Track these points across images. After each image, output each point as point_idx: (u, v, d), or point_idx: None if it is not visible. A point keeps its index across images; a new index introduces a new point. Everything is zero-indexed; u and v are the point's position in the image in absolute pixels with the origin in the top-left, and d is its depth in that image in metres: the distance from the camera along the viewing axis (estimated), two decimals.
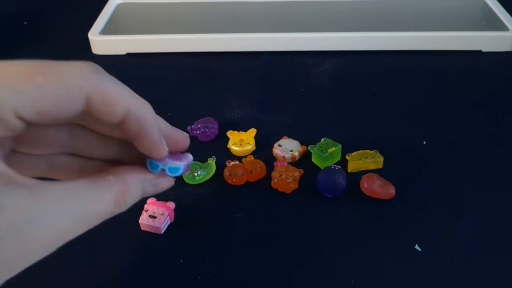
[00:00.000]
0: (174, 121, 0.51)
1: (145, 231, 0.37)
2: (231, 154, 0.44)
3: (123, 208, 0.23)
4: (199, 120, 0.46)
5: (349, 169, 0.42)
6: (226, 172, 0.41)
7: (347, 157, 0.42)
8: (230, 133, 0.45)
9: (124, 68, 0.58)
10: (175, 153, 0.26)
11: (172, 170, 0.25)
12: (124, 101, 0.22)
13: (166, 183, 0.26)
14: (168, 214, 0.37)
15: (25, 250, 0.19)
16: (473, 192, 0.40)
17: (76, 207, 0.21)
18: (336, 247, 0.36)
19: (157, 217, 0.37)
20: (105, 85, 0.22)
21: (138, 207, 0.38)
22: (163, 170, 0.25)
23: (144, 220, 0.37)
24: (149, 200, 0.38)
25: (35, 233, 0.19)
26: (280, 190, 0.40)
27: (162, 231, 0.37)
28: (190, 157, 0.27)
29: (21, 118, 0.20)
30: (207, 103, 0.51)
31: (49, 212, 0.20)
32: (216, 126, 0.46)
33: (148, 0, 0.68)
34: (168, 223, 0.37)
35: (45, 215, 0.20)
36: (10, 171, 0.20)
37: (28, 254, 0.20)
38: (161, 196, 0.39)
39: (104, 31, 0.60)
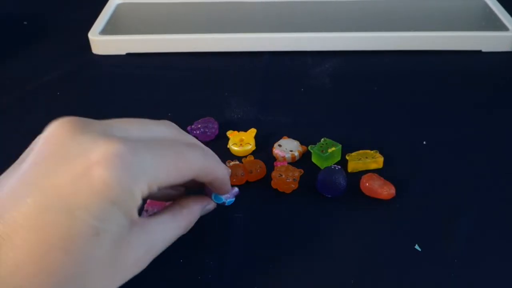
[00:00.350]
0: (174, 121, 0.51)
1: None
2: (231, 154, 0.44)
3: (189, 229, 0.33)
4: (199, 120, 0.46)
5: (349, 169, 0.42)
6: None
7: (347, 157, 0.42)
8: (230, 133, 0.45)
9: (124, 68, 0.58)
10: None
11: (229, 202, 0.36)
12: (215, 172, 0.32)
13: (213, 207, 0.35)
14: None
15: (141, 263, 0.29)
16: (473, 192, 0.40)
17: (166, 234, 0.31)
18: (336, 247, 0.36)
19: None
20: (208, 164, 0.31)
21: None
22: (223, 202, 0.35)
23: None
24: (149, 200, 0.38)
25: (147, 254, 0.29)
26: (280, 190, 0.40)
27: None
28: (236, 189, 0.36)
29: (159, 188, 0.28)
30: (207, 103, 0.51)
31: (153, 241, 0.29)
32: (216, 126, 0.46)
33: (148, 0, 0.68)
34: None
35: (151, 242, 0.29)
36: (136, 216, 0.28)
37: (143, 264, 0.29)
38: None
39: (104, 31, 0.60)
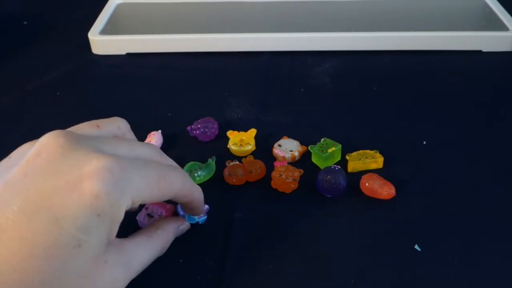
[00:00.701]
0: (174, 121, 0.51)
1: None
2: (231, 154, 0.44)
3: (165, 250, 0.34)
4: (199, 120, 0.46)
5: (349, 169, 0.42)
6: (226, 172, 0.41)
7: (347, 157, 0.42)
8: (230, 133, 0.45)
9: (124, 68, 0.58)
10: None
11: (202, 220, 0.37)
12: (193, 194, 0.34)
13: (187, 228, 0.37)
14: (166, 216, 0.37)
15: (118, 284, 0.29)
16: (473, 192, 0.40)
17: (143, 255, 0.31)
18: (336, 247, 0.36)
19: (154, 217, 0.37)
20: (187, 186, 0.32)
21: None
22: (197, 221, 0.37)
23: (141, 218, 0.37)
24: None
25: (124, 275, 0.29)
26: (280, 190, 0.40)
27: None
28: (207, 206, 0.38)
29: (140, 204, 0.30)
30: (207, 103, 0.51)
31: (129, 261, 0.30)
32: (216, 126, 0.46)
33: (148, 0, 0.68)
34: None
35: (128, 263, 0.30)
36: (114, 235, 0.28)
37: (120, 285, 0.29)
38: None
39: (104, 31, 0.60)
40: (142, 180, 0.29)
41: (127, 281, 0.30)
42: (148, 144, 0.34)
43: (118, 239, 0.29)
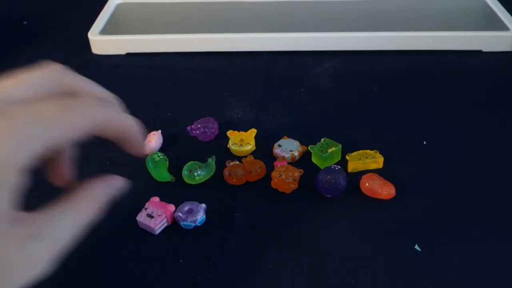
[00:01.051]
0: (174, 121, 0.51)
1: (143, 229, 0.37)
2: (231, 154, 0.44)
3: (96, 212, 0.27)
4: (199, 120, 0.46)
5: (349, 169, 0.42)
6: (226, 172, 0.41)
7: (347, 157, 0.42)
8: (230, 133, 0.45)
9: (124, 68, 0.58)
10: (190, 206, 0.38)
11: (199, 222, 0.37)
12: (122, 123, 0.29)
13: (120, 183, 0.29)
14: (166, 217, 0.37)
15: (40, 261, 0.25)
16: (473, 192, 0.40)
17: (64, 221, 0.26)
18: (336, 247, 0.36)
19: (154, 217, 0.37)
20: (105, 114, 0.28)
21: (138, 206, 0.38)
22: (195, 225, 0.37)
23: (141, 218, 0.37)
24: (152, 198, 0.38)
25: (45, 248, 0.25)
26: (280, 190, 0.40)
27: (157, 232, 0.37)
28: (203, 205, 0.38)
29: (50, 150, 0.25)
30: (207, 103, 0.51)
31: (46, 232, 0.25)
32: (216, 126, 0.46)
33: (148, 0, 0.68)
34: (165, 225, 0.37)
35: (44, 235, 0.25)
36: (14, 213, 0.24)
37: (45, 262, 0.25)
38: (163, 196, 0.39)
39: (104, 31, 0.60)
40: (38, 124, 0.25)
41: (52, 254, 0.25)
42: (48, 67, 0.30)
43: (27, 213, 0.25)
